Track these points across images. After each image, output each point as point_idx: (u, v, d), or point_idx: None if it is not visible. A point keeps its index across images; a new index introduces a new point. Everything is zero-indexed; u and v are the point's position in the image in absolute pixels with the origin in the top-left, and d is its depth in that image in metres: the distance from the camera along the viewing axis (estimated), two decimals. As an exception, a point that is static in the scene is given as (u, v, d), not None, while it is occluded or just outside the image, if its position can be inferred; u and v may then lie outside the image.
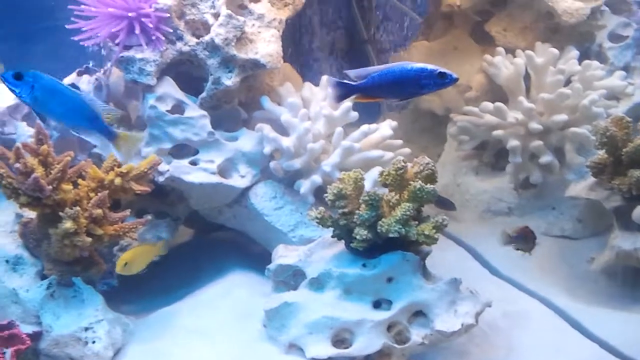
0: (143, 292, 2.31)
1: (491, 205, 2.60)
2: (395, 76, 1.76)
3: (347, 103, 2.21)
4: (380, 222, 1.85)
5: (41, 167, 1.89)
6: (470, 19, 2.88)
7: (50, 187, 1.87)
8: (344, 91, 1.82)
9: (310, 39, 2.93)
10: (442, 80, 1.80)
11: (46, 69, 2.70)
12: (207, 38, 2.17)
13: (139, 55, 2.14)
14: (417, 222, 1.88)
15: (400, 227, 1.83)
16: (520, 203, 2.55)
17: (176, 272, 2.43)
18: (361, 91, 1.79)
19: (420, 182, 1.88)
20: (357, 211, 1.88)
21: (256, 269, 2.32)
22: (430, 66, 1.78)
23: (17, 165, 1.84)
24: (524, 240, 2.18)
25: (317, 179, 2.16)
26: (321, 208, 1.95)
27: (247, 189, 2.26)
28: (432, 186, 1.88)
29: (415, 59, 2.92)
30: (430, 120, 2.98)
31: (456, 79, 1.80)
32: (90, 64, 2.39)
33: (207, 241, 2.66)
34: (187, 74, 2.30)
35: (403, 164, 1.92)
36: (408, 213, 1.84)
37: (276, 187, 2.27)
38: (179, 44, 2.19)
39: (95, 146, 2.25)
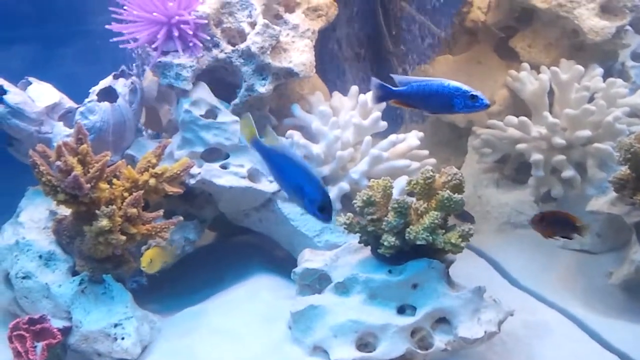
0: (168, 292, 2.37)
1: (511, 217, 2.63)
2: (432, 90, 1.81)
3: (377, 112, 2.27)
4: (408, 230, 1.89)
5: (80, 165, 1.95)
6: (494, 34, 2.93)
7: (89, 185, 1.92)
8: (383, 93, 1.86)
9: (336, 49, 2.99)
10: (472, 103, 1.82)
11: (78, 72, 2.78)
12: (243, 46, 2.24)
13: (176, 61, 2.20)
14: (443, 231, 1.93)
15: (428, 234, 1.88)
16: (541, 216, 2.58)
17: (200, 273, 2.49)
18: (398, 97, 1.84)
19: (448, 191, 1.92)
20: (385, 218, 1.93)
21: (280, 273, 2.37)
22: (465, 87, 1.81)
23: (58, 163, 1.90)
24: (540, 223, 2.05)
25: (345, 185, 2.21)
26: (349, 214, 2.00)
27: (275, 193, 2.31)
28: (460, 196, 1.93)
29: (438, 73, 2.99)
30: (451, 133, 3.02)
31: (487, 105, 1.82)
32: (124, 68, 2.44)
33: (231, 244, 2.71)
34: (220, 80, 2.36)
35: (431, 173, 1.97)
36: (436, 221, 1.88)
37: (303, 193, 2.31)
38: (215, 51, 2.25)
39: (128, 147, 2.31)
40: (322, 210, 1.52)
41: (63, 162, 1.90)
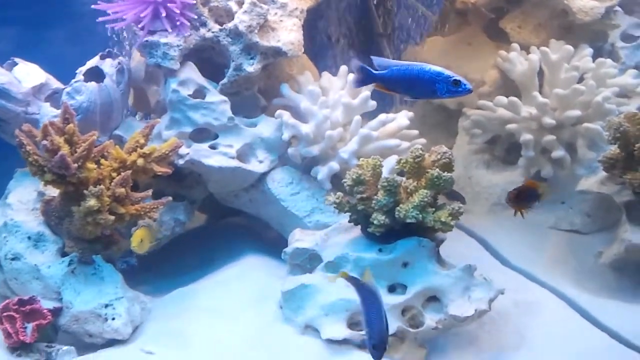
0: (159, 273, 2.36)
1: (502, 198, 2.62)
2: (413, 74, 1.73)
3: (366, 92, 2.26)
4: (398, 208, 1.89)
5: (67, 145, 1.93)
6: (484, 15, 2.92)
7: (76, 165, 1.91)
8: (364, 77, 1.79)
9: (326, 30, 2.96)
10: (455, 88, 1.73)
11: (64, 54, 2.74)
12: (230, 25, 2.22)
13: (163, 40, 2.18)
14: (433, 209, 1.92)
15: (418, 212, 1.88)
16: (531, 197, 2.58)
17: (191, 255, 2.48)
18: (379, 81, 1.76)
19: (438, 169, 1.92)
20: (375, 197, 1.92)
21: (270, 253, 2.37)
22: (447, 72, 1.73)
23: (44, 142, 1.88)
24: (516, 198, 2.04)
25: (334, 165, 2.20)
26: (339, 193, 2.00)
27: (265, 174, 2.30)
28: (449, 174, 1.93)
29: (429, 54, 2.98)
30: (441, 114, 3.01)
31: (470, 90, 1.75)
32: (113, 49, 2.42)
33: (221, 226, 2.70)
34: (208, 60, 2.34)
35: (421, 152, 1.96)
36: (426, 199, 1.88)
37: (293, 173, 2.31)
38: (202, 30, 2.23)
39: (116, 127, 2.29)
40: (374, 347, 1.55)
41: (49, 142, 1.88)
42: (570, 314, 2.12)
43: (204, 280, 2.26)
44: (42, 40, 2.72)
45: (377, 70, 1.77)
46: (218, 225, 2.71)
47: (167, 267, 2.39)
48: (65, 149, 1.90)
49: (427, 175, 1.92)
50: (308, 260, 2.09)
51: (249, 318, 2.04)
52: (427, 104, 3.02)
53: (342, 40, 2.99)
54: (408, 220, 1.88)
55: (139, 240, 2.01)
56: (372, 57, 1.75)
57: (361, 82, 1.85)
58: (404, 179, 1.97)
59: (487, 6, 2.88)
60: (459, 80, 1.73)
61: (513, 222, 2.55)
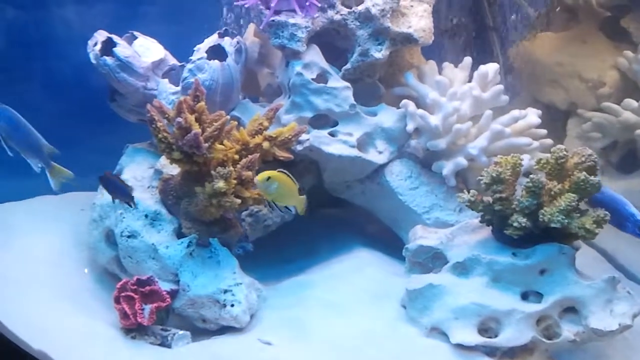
0: (264, 261, 2.27)
1: (617, 207, 2.50)
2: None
3: (499, 85, 2.15)
4: (542, 211, 1.79)
5: (197, 124, 1.86)
6: (597, 13, 2.78)
7: (207, 144, 1.84)
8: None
9: (435, 21, 2.86)
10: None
11: (174, 31, 2.67)
12: (361, 8, 2.13)
13: (291, 21, 2.10)
14: (578, 215, 1.81)
15: (564, 217, 1.77)
16: (651, 209, 2.45)
17: (293, 244, 2.39)
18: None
19: (584, 172, 1.81)
20: (517, 197, 1.82)
21: (379, 249, 2.29)
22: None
23: (179, 119, 1.81)
24: None
25: (461, 160, 2.10)
26: (473, 191, 1.89)
27: (382, 165, 2.21)
28: (596, 178, 1.81)
29: (540, 51, 2.85)
30: (547, 114, 2.87)
31: None
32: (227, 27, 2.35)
33: (320, 216, 2.61)
34: (328, 44, 2.24)
35: (565, 152, 1.85)
36: (573, 204, 1.77)
37: (412, 167, 2.21)
38: (330, 12, 2.14)
39: (234, 108, 2.21)
40: None
41: (184, 119, 1.81)
42: None
43: (317, 271, 2.18)
44: (147, 19, 2.64)
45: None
46: (317, 216, 2.62)
47: (271, 255, 2.31)
48: (196, 128, 1.83)
49: (573, 179, 1.81)
50: (431, 259, 2.00)
51: (370, 315, 1.95)
52: (534, 102, 2.89)
53: (452, 33, 2.88)
54: (552, 225, 1.78)
55: (266, 177, 1.81)
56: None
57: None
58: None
59: (608, 4, 2.74)
60: None
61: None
